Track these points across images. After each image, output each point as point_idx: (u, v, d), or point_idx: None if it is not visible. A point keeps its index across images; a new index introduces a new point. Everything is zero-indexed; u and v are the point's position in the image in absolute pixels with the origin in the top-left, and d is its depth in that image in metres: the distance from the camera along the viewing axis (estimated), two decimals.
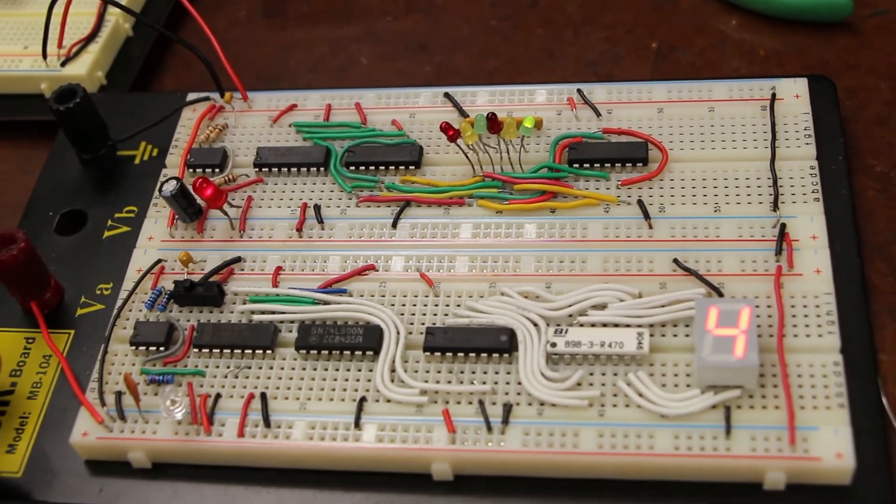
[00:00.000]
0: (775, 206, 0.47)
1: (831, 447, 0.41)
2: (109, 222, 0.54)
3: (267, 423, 0.44)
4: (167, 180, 0.50)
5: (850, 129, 0.53)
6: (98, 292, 0.51)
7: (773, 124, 0.50)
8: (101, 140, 0.56)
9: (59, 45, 0.60)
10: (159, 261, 0.50)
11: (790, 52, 0.57)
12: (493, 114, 0.49)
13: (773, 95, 0.51)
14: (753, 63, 0.57)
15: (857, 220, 0.48)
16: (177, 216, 0.51)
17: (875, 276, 0.48)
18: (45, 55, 0.60)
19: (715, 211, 0.48)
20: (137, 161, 0.56)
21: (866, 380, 0.43)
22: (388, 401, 0.44)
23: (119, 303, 0.49)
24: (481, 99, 0.54)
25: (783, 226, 0.46)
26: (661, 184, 0.49)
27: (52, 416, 0.47)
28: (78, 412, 0.46)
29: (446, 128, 0.50)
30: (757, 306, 0.44)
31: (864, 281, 0.46)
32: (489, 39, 0.61)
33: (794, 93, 0.51)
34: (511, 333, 0.45)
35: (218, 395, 0.45)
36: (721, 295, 0.45)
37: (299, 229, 0.50)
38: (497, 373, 0.45)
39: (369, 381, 0.45)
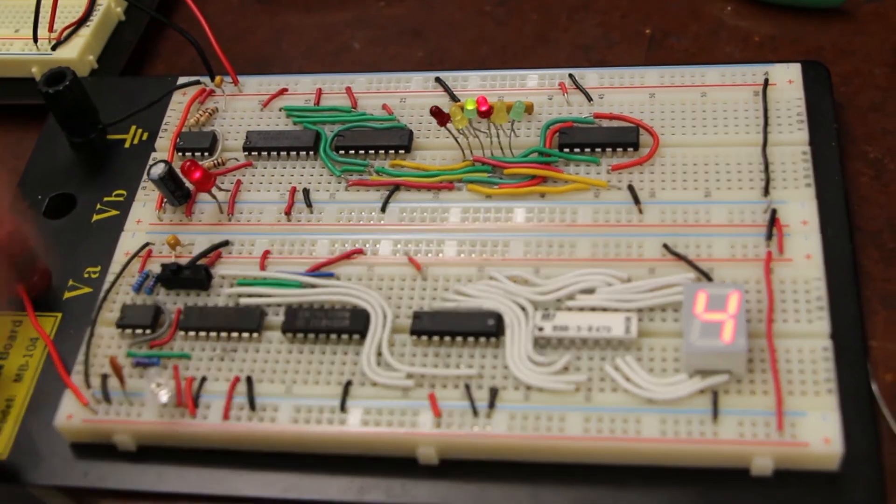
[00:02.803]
0: (766, 192, 0.47)
1: (819, 432, 0.40)
2: (98, 206, 0.53)
3: (252, 407, 0.44)
4: (155, 163, 0.50)
5: (845, 116, 0.52)
6: (86, 276, 0.51)
7: (766, 109, 0.50)
8: (91, 124, 0.55)
9: (51, 29, 0.60)
10: (147, 244, 0.50)
11: (785, 39, 0.57)
12: (483, 97, 0.48)
13: (766, 81, 0.51)
14: (748, 49, 0.57)
15: (849, 206, 0.48)
16: (165, 199, 0.51)
17: (867, 263, 0.47)
18: (35, 39, 0.60)
19: (706, 196, 0.48)
20: (127, 145, 0.56)
21: (857, 366, 0.43)
22: (375, 384, 0.44)
23: (106, 286, 0.49)
24: (472, 84, 0.54)
25: (774, 211, 0.46)
26: (651, 169, 0.49)
27: (38, 399, 0.47)
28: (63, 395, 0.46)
29: (436, 112, 0.49)
30: (746, 291, 0.44)
31: (855, 267, 0.45)
32: (482, 25, 0.61)
33: (787, 78, 0.51)
34: (498, 317, 0.45)
35: (204, 378, 0.45)
36: (710, 280, 0.45)
37: (288, 213, 0.50)
38: (484, 357, 0.44)
39: (356, 364, 0.45)
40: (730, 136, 0.49)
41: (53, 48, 0.60)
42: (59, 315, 0.50)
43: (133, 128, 0.56)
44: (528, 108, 0.51)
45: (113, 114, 0.56)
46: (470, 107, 0.48)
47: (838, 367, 0.42)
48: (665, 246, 0.46)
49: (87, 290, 0.50)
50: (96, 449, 0.45)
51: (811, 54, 0.55)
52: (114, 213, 0.53)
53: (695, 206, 0.47)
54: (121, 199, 0.53)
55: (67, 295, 0.50)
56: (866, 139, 0.52)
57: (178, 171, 0.50)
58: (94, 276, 0.50)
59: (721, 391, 0.42)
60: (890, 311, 0.46)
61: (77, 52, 0.59)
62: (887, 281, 0.47)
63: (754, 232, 0.46)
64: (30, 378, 0.48)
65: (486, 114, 0.49)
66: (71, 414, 0.45)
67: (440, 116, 0.49)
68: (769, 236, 0.46)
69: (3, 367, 0.48)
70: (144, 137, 0.55)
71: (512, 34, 0.60)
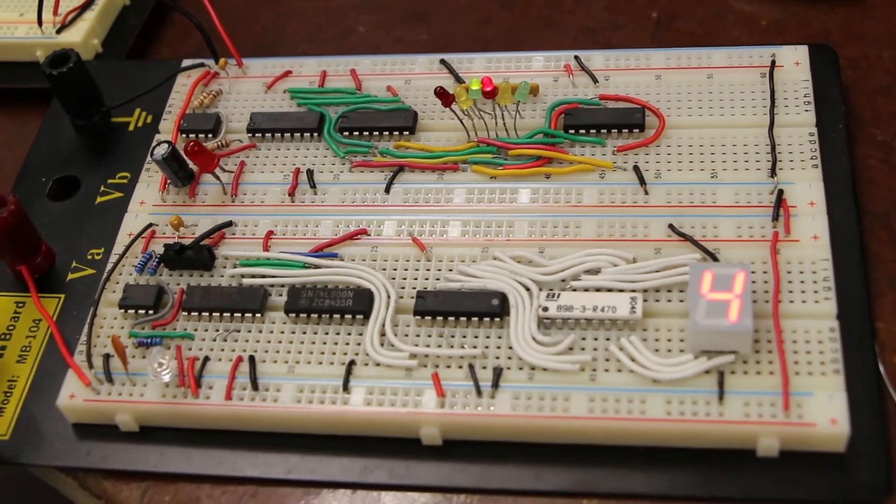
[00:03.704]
0: (773, 173, 0.47)
1: (826, 413, 0.40)
2: (102, 188, 0.53)
3: (255, 386, 0.44)
4: (159, 144, 0.50)
5: (853, 99, 0.52)
6: (89, 257, 0.51)
7: (773, 91, 0.49)
8: (95, 106, 0.55)
9: (55, 13, 0.60)
10: (150, 225, 0.50)
11: (792, 22, 0.56)
12: (488, 78, 0.48)
13: (773, 62, 0.50)
14: (754, 33, 0.56)
15: (857, 188, 0.47)
16: (169, 180, 0.51)
17: (875, 245, 0.47)
18: (40, 22, 0.60)
19: (712, 177, 0.47)
20: (131, 128, 0.55)
21: (863, 348, 0.42)
22: (378, 364, 0.44)
23: (109, 267, 0.49)
24: (478, 66, 0.54)
25: (780, 192, 0.46)
26: (657, 150, 0.49)
27: (40, 380, 0.47)
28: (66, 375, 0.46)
29: (441, 93, 0.49)
30: (753, 272, 0.44)
31: (862, 248, 0.45)
32: (488, 8, 0.61)
33: (795, 60, 0.51)
34: (503, 297, 0.44)
35: (206, 359, 0.45)
36: (716, 260, 0.44)
37: (291, 194, 0.50)
38: (488, 337, 0.44)
39: (359, 344, 0.45)
40: (736, 117, 0.49)
41: (58, 32, 0.60)
42: (63, 296, 0.49)
43: (137, 111, 0.56)
44: (534, 90, 0.51)
45: (117, 97, 0.56)
46: (475, 87, 0.48)
47: (845, 348, 0.42)
48: (671, 226, 0.46)
49: (90, 271, 0.50)
50: (98, 429, 0.45)
51: (819, 38, 0.55)
52: (117, 195, 0.53)
53: (701, 186, 0.47)
54: (125, 181, 0.53)
55: (71, 276, 0.50)
56: (874, 122, 0.51)
57: (181, 151, 0.50)
58: (97, 257, 0.50)
59: (727, 371, 0.41)
60: None
61: (82, 36, 0.59)
62: (895, 263, 0.46)
63: (761, 213, 0.46)
64: (32, 359, 0.48)
65: (490, 94, 0.48)
66: (73, 394, 0.45)
67: (445, 97, 0.49)
68: (776, 217, 0.45)
69: (6, 348, 0.48)
70: (149, 120, 0.55)
71: (518, 18, 0.60)
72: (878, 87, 0.53)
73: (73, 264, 0.50)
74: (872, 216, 0.48)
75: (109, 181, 0.53)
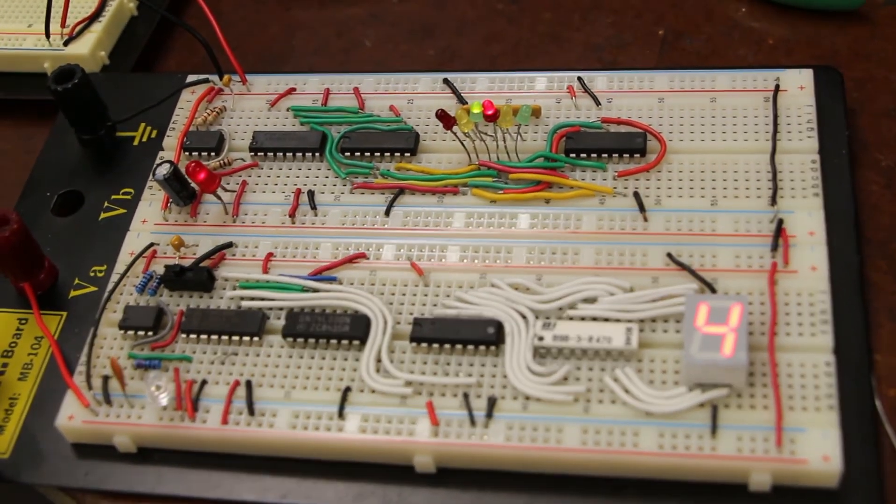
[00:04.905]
0: (773, 201, 0.46)
1: (818, 449, 0.40)
2: (106, 204, 0.53)
3: (251, 411, 0.44)
4: (161, 164, 0.50)
5: (857, 122, 0.51)
6: (92, 274, 0.51)
7: (776, 116, 0.49)
8: (101, 121, 0.55)
9: (63, 24, 0.60)
10: (151, 244, 0.50)
11: (799, 41, 0.56)
12: (489, 101, 0.48)
13: (777, 86, 0.50)
14: (761, 52, 0.56)
15: (858, 215, 0.47)
16: (171, 200, 0.51)
17: (875, 274, 0.47)
18: (48, 34, 0.60)
19: (712, 204, 0.47)
20: (136, 142, 0.56)
21: (860, 380, 0.42)
22: (373, 391, 0.44)
23: (110, 286, 0.49)
24: (481, 85, 0.53)
25: (780, 221, 0.46)
26: (658, 175, 0.48)
27: (41, 398, 0.47)
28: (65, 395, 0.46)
29: (442, 115, 0.49)
30: (750, 303, 0.44)
31: (861, 279, 0.45)
32: (495, 23, 0.60)
33: (799, 84, 0.50)
34: (498, 326, 0.44)
35: (204, 382, 0.45)
36: (714, 291, 0.44)
37: (292, 215, 0.50)
38: (483, 365, 0.44)
39: (355, 370, 0.45)
40: (738, 143, 0.49)
41: (65, 44, 0.60)
42: (65, 314, 0.50)
43: (142, 125, 0.56)
44: (536, 112, 0.51)
45: (123, 111, 0.56)
46: (476, 110, 0.48)
47: (841, 381, 0.42)
48: (669, 255, 0.46)
49: (92, 288, 0.50)
50: (97, 449, 0.46)
51: (825, 58, 0.55)
52: (121, 211, 0.53)
53: (700, 214, 0.47)
54: (128, 197, 0.53)
55: (73, 293, 0.50)
56: (878, 146, 0.51)
57: (183, 171, 0.50)
58: (99, 275, 0.51)
59: (720, 405, 0.41)
60: None
61: (89, 48, 0.59)
62: (895, 293, 0.46)
63: (760, 242, 0.45)
64: (34, 377, 0.48)
65: (492, 118, 0.48)
66: (72, 415, 0.45)
67: (446, 120, 0.49)
68: (774, 247, 0.45)
69: (8, 365, 0.49)
70: (153, 135, 0.56)
71: (524, 33, 0.60)
72: (883, 109, 0.52)
73: (76, 281, 0.51)
74: (873, 244, 0.48)
75: (113, 197, 0.54)
